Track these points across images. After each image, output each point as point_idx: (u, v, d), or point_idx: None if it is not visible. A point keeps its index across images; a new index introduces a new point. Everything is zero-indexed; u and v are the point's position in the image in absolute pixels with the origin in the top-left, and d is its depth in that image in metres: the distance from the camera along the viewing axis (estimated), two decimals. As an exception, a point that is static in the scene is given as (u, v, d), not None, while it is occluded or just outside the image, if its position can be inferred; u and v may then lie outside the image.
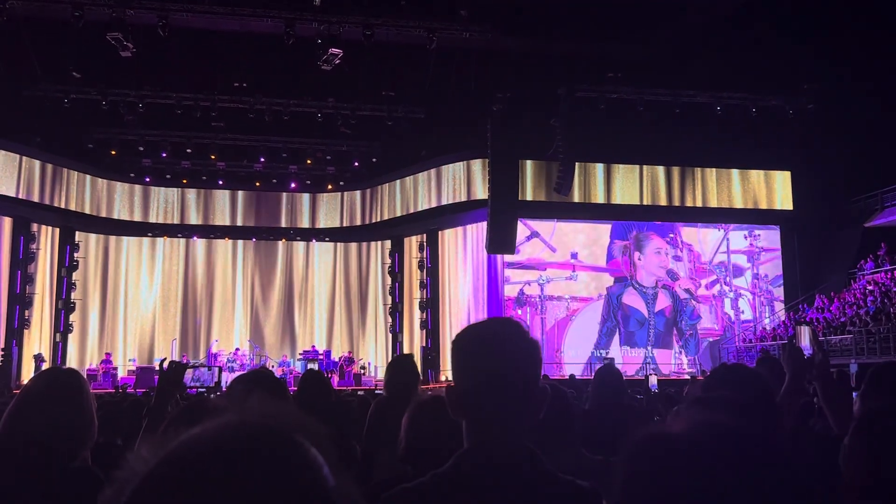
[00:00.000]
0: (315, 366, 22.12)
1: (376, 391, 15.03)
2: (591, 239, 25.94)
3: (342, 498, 0.66)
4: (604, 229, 25.99)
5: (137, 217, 27.52)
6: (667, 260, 25.94)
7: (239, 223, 28.27)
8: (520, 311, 25.05)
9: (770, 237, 26.90)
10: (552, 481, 1.54)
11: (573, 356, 24.52)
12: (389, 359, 27.93)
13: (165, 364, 2.83)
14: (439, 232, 26.54)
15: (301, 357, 24.95)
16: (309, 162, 27.01)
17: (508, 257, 24.59)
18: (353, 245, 28.87)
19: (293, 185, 27.88)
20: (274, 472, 0.63)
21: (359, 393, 11.16)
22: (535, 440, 2.47)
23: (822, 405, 2.85)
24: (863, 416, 1.82)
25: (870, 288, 22.69)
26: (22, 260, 23.86)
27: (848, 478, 1.76)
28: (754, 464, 0.88)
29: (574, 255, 25.60)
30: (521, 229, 24.59)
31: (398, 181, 27.42)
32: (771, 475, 0.89)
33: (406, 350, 26.38)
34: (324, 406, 4.09)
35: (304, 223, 28.61)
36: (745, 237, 26.82)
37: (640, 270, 25.84)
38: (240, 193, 28.20)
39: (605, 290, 25.60)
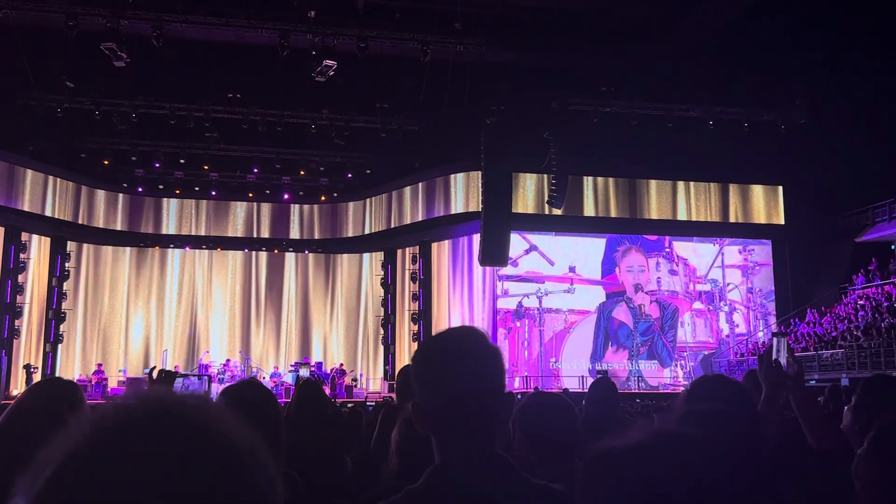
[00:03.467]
0: (306, 371, 22.05)
1: (367, 403, 14.98)
2: (588, 252, 26.01)
3: (251, 455, 0.69)
4: (601, 243, 26.10)
5: (129, 227, 27.40)
6: (640, 277, 26.03)
7: (232, 234, 28.18)
8: (518, 324, 25.15)
9: (762, 251, 27.02)
10: (526, 487, 1.53)
11: (570, 369, 24.55)
12: (381, 371, 27.88)
13: (154, 374, 2.81)
14: (432, 244, 26.54)
15: (292, 368, 24.82)
16: (302, 173, 27.00)
17: (507, 270, 24.67)
18: (346, 256, 28.82)
19: (286, 195, 27.84)
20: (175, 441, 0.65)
21: (348, 405, 11.10)
22: (537, 450, 2.47)
23: (798, 418, 2.83)
24: (880, 427, 1.82)
25: (861, 303, 22.77)
26: (12, 269, 23.71)
27: (864, 490, 1.76)
28: (708, 472, 0.88)
29: (572, 269, 25.69)
30: (520, 243, 24.68)
31: (391, 193, 27.42)
32: (729, 483, 0.89)
33: (398, 362, 26.30)
34: (319, 419, 4.04)
35: (297, 234, 28.55)
36: (740, 252, 26.92)
37: (626, 286, 26.04)
38: (233, 204, 28.13)
39: (597, 305, 25.75)
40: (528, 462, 2.47)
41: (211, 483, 0.65)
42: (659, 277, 26.24)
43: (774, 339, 2.92)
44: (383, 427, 3.79)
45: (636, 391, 23.08)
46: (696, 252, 26.68)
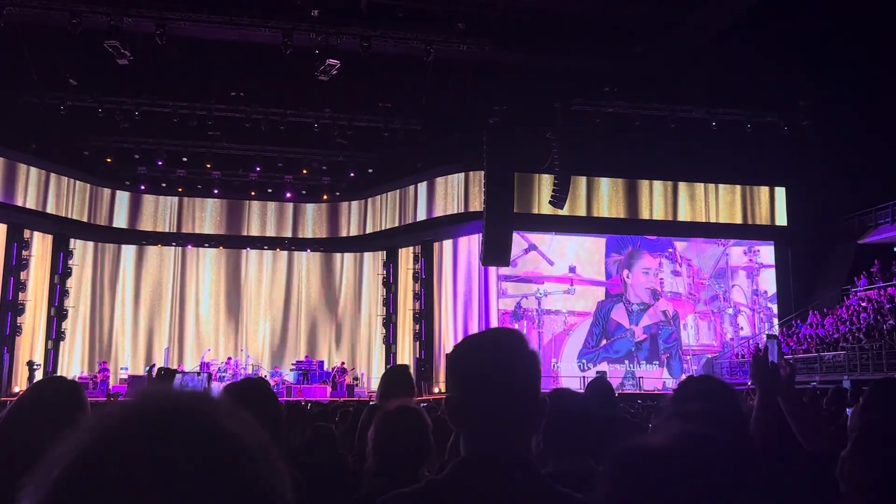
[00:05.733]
0: (310, 374, 21.98)
1: (370, 402, 14.98)
2: (589, 253, 25.88)
3: (262, 462, 0.69)
4: (602, 242, 25.95)
5: (132, 225, 27.44)
6: (655, 280, 25.86)
7: (233, 232, 28.20)
8: (516, 325, 24.89)
9: (767, 252, 26.91)
10: (548, 493, 1.53)
11: (570, 370, 24.44)
12: (383, 370, 27.85)
13: (154, 371, 2.81)
14: (434, 243, 26.54)
15: (294, 367, 24.86)
16: (304, 172, 27.02)
17: (506, 270, 24.57)
18: (348, 255, 28.83)
19: (288, 194, 27.86)
20: (185, 440, 0.66)
21: (350, 407, 11.06)
22: (549, 443, 2.49)
23: (789, 421, 2.81)
24: (862, 428, 1.82)
25: (863, 304, 22.74)
26: (15, 266, 23.76)
27: (849, 490, 1.76)
28: (735, 474, 0.89)
29: (572, 269, 25.54)
30: (519, 242, 24.54)
31: (394, 192, 27.43)
32: (753, 485, 0.90)
33: (399, 361, 26.31)
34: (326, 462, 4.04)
35: (299, 233, 28.57)
36: (745, 252, 26.79)
37: (630, 288, 25.82)
38: (235, 203, 28.15)
39: (596, 304, 25.56)
40: (540, 455, 2.49)
41: (220, 483, 0.65)
42: (662, 279, 26.12)
43: (767, 342, 2.91)
44: (365, 427, 3.80)
45: (636, 392, 23.03)
46: (700, 253, 26.55)
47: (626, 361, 25.22)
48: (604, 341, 25.37)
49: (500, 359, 1.56)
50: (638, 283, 25.80)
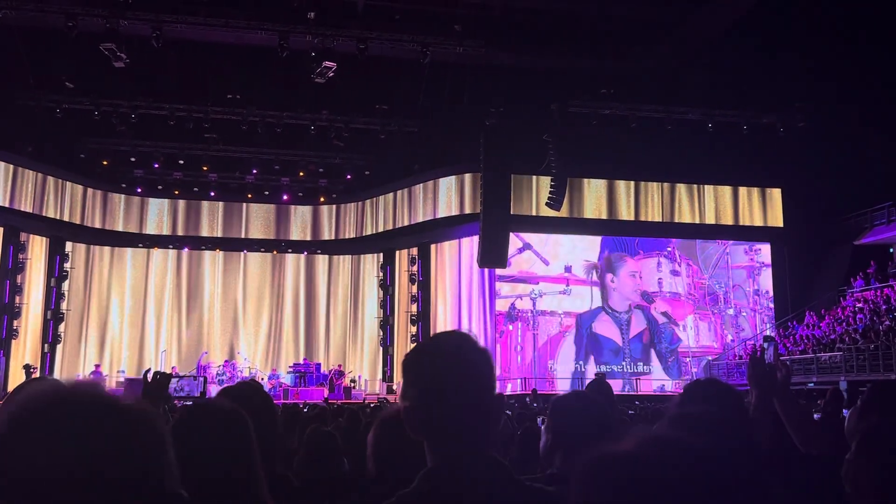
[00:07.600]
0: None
1: (372, 405, 14.96)
2: (586, 253, 25.63)
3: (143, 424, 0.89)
4: (597, 241, 25.70)
5: (129, 228, 27.38)
6: (641, 283, 25.57)
7: (230, 235, 28.15)
8: (511, 327, 24.77)
9: (767, 252, 26.82)
10: (520, 490, 1.53)
11: (566, 371, 24.29)
12: (380, 373, 27.79)
13: (150, 375, 2.81)
14: (431, 245, 26.52)
15: (291, 370, 24.83)
16: (301, 174, 27.00)
17: (500, 270, 24.44)
18: (345, 258, 28.81)
19: (285, 197, 27.84)
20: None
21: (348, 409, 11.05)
22: (556, 444, 2.49)
23: (784, 423, 2.81)
24: (866, 431, 1.82)
25: (859, 305, 22.78)
26: (11, 270, 23.72)
27: (854, 495, 1.76)
28: (703, 478, 0.89)
29: (568, 269, 25.36)
30: (514, 241, 24.35)
31: (391, 194, 27.41)
32: (724, 489, 0.90)
33: (397, 364, 26.28)
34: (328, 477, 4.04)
35: (296, 235, 28.53)
36: (745, 252, 26.69)
37: (613, 294, 25.35)
38: (231, 205, 28.11)
39: (574, 320, 24.91)
40: (551, 457, 2.50)
41: (104, 446, 0.84)
42: (660, 279, 25.89)
43: (765, 343, 2.92)
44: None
45: (634, 393, 23.02)
46: (701, 252, 26.40)
47: (619, 377, 24.34)
48: (592, 358, 24.72)
49: (456, 361, 1.54)
50: (626, 287, 25.35)
